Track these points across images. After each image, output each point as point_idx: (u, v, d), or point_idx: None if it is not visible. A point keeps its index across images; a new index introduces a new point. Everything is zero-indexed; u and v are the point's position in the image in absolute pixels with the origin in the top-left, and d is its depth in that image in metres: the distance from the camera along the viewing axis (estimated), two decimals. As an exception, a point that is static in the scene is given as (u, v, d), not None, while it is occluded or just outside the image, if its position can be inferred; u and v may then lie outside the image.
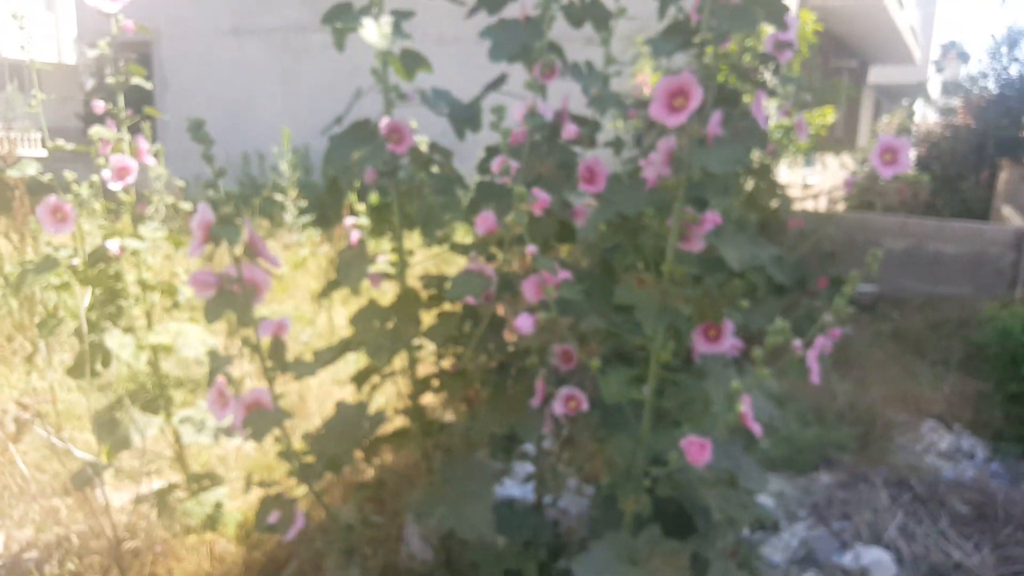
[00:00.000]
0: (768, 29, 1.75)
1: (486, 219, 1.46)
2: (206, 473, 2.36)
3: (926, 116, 18.96)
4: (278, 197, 6.05)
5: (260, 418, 1.39)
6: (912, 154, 15.90)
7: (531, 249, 1.29)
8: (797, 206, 11.39)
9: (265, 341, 1.41)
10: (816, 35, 9.04)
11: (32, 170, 1.89)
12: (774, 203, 2.46)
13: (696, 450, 1.26)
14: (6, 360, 3.56)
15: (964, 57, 16.42)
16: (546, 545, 1.96)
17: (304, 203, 6.18)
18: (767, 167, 1.87)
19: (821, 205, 13.88)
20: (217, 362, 1.39)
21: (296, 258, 5.51)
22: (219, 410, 1.46)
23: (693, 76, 1.29)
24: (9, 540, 2.68)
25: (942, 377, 4.99)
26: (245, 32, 11.64)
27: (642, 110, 1.59)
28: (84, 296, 1.90)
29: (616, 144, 1.82)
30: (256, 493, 2.75)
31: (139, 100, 2.25)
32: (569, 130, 1.55)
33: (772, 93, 1.64)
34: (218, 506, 2.32)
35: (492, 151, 1.65)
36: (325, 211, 7.32)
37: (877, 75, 18.84)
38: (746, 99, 1.70)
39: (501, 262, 1.46)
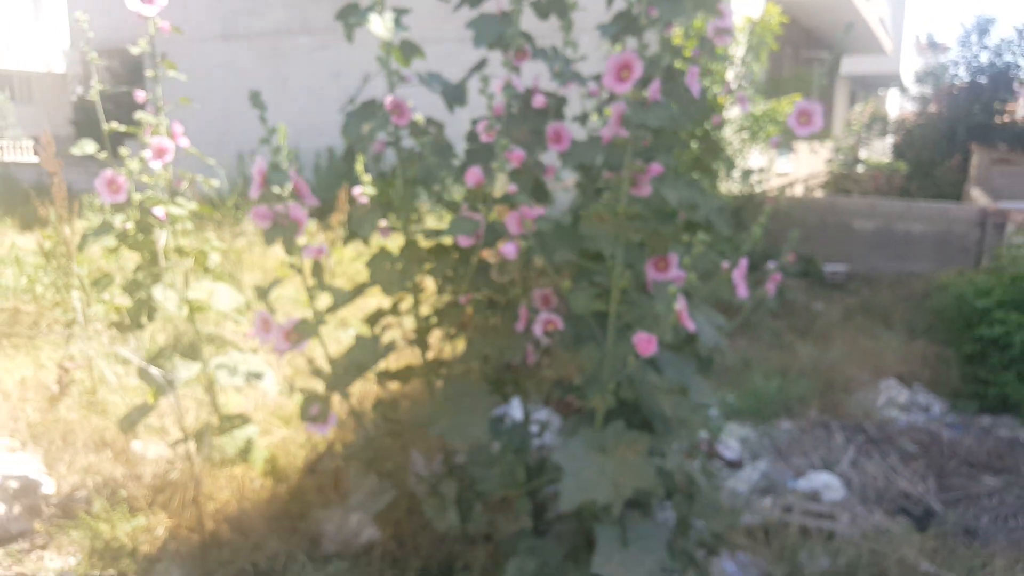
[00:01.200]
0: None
1: (474, 174, 1.82)
2: (237, 414, 2.70)
3: (903, 105, 19.45)
4: (275, 191, 6.38)
5: (304, 327, 1.74)
6: (888, 142, 16.36)
7: (512, 188, 1.66)
8: (771, 191, 11.77)
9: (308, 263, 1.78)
10: (785, 27, 9.42)
11: (91, 149, 2.23)
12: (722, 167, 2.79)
13: (644, 343, 1.63)
14: (49, 328, 3.89)
15: (937, 47, 16.91)
16: (532, 459, 2.32)
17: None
18: (708, 133, 2.23)
19: (797, 191, 14.31)
20: (262, 291, 1.75)
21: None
22: (263, 334, 1.82)
23: (635, 53, 1.65)
24: (60, 483, 3.02)
25: (905, 343, 5.36)
26: (234, 37, 11.98)
27: (601, 85, 1.95)
28: (162, 235, 2.25)
29: (582, 118, 2.18)
30: (281, 434, 3.11)
31: (130, 105, 2.55)
32: (538, 100, 1.91)
33: (707, 72, 1.99)
34: (248, 442, 2.67)
35: (477, 122, 2.01)
36: (320, 203, 7.68)
37: (851, 66, 19.34)
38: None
39: (486, 210, 1.82)
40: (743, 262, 1.79)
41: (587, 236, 1.77)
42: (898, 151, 13.98)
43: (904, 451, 3.45)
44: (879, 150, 18.08)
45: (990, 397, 4.35)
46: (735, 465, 3.39)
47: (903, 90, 15.91)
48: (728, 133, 8.42)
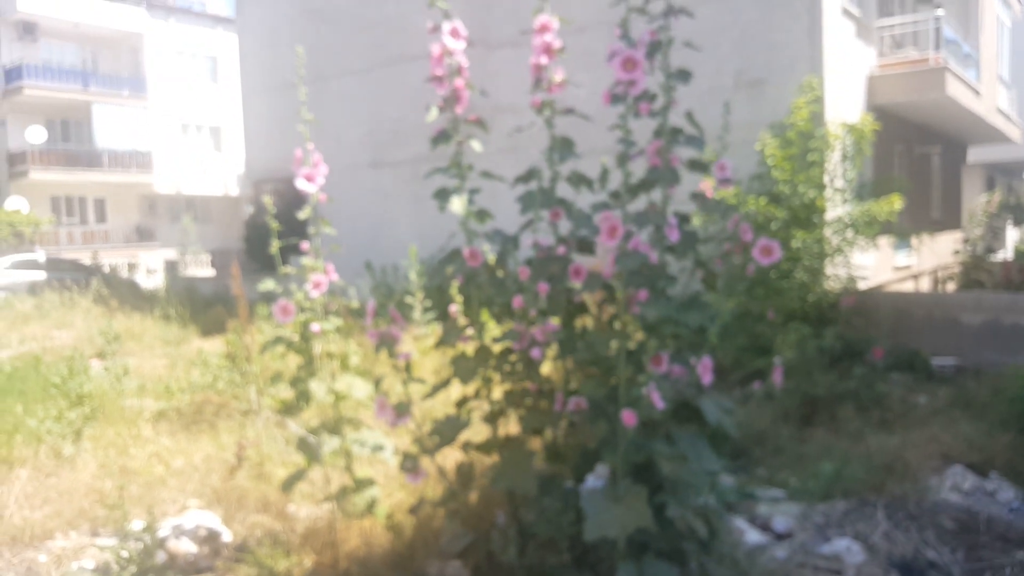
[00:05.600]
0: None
1: (517, 300, 2.65)
2: (366, 478, 3.56)
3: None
4: (408, 300, 7.46)
5: (400, 407, 2.59)
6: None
7: (533, 312, 2.46)
8: (893, 287, 11.79)
9: (402, 363, 2.64)
10: (897, 125, 9.69)
11: (272, 285, 3.26)
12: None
13: (628, 416, 2.35)
14: (228, 415, 4.99)
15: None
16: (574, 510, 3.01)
17: (429, 303, 7.57)
18: (703, 262, 2.93)
19: (923, 285, 14.12)
20: (380, 384, 2.62)
21: (424, 347, 6.85)
22: (381, 412, 2.69)
23: (619, 218, 2.45)
24: (235, 535, 3.97)
25: (989, 432, 5.51)
26: (380, 164, 13.91)
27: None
28: (317, 345, 3.21)
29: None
30: (399, 496, 3.94)
31: (296, 223, 3.57)
32: (561, 249, 2.74)
33: (685, 220, 2.73)
34: (373, 500, 3.51)
35: (527, 262, 2.86)
36: (446, 307, 8.77)
37: (982, 154, 19.01)
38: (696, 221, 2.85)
39: (527, 325, 2.64)
40: (706, 359, 2.48)
41: (595, 342, 2.54)
42: (1037, 239, 13.62)
43: (941, 527, 3.80)
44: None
45: (1064, 485, 4.54)
46: (784, 536, 3.88)
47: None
48: (828, 233, 8.87)
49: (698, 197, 2.94)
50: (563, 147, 2.87)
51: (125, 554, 3.63)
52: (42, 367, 7.41)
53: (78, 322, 11.96)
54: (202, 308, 12.95)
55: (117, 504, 4.04)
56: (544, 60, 2.72)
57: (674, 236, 2.61)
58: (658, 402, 2.37)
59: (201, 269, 25.36)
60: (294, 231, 3.62)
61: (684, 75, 2.75)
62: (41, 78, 28.16)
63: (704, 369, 2.49)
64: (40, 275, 18.28)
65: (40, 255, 20.32)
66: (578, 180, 2.85)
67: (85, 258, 22.79)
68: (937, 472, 4.79)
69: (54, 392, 5.76)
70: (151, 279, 21.55)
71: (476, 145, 2.89)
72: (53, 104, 29.01)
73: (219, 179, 33.79)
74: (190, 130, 33.21)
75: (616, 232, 2.43)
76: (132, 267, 24.65)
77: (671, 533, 2.73)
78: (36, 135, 27.42)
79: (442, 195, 2.83)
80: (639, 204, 2.83)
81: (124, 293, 14.60)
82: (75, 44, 30.68)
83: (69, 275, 18.00)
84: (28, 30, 28.89)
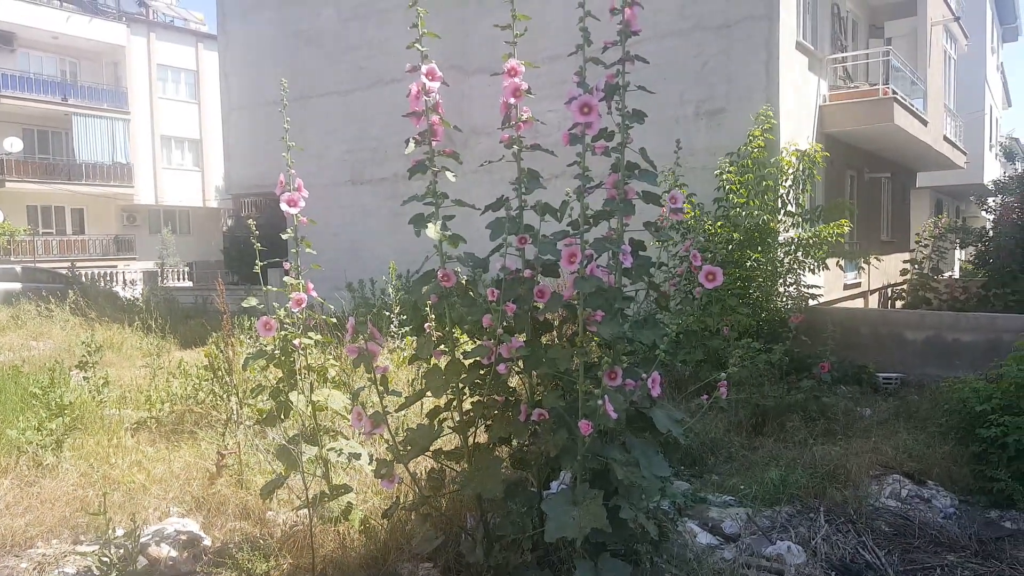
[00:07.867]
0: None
1: (487, 319, 2.90)
2: (341, 484, 3.77)
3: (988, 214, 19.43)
4: (386, 313, 7.68)
5: (376, 417, 2.81)
6: (971, 251, 16.45)
7: (500, 331, 2.71)
8: (843, 304, 12.14)
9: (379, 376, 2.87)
10: (850, 153, 9.87)
11: (255, 302, 3.47)
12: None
13: (584, 426, 2.60)
14: (212, 424, 5.16)
15: (1014, 157, 17.13)
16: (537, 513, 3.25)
17: (404, 317, 7.78)
18: (656, 284, 3.20)
19: (873, 303, 14.60)
20: (357, 396, 2.85)
21: (399, 359, 7.06)
22: (358, 422, 2.91)
23: (577, 246, 2.71)
24: (214, 540, 4.15)
25: (928, 443, 5.81)
26: (360, 182, 14.24)
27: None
28: (297, 359, 3.42)
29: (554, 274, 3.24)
30: (374, 501, 4.15)
31: (276, 237, 3.78)
32: (527, 272, 3.00)
33: (640, 246, 3.00)
34: (349, 505, 3.72)
35: (495, 283, 3.11)
36: (421, 323, 8.99)
37: (931, 178, 19.79)
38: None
39: (495, 342, 2.89)
40: (656, 374, 2.75)
41: (557, 357, 2.79)
42: (981, 259, 14.18)
43: (879, 531, 4.09)
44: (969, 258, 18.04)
45: (995, 493, 4.85)
46: (733, 538, 4.14)
47: (980, 201, 16.16)
48: (780, 254, 9.27)
49: (650, 225, 3.22)
50: (530, 179, 3.13)
51: (106, 560, 3.78)
52: (21, 377, 7.49)
53: (56, 332, 11.99)
54: (181, 319, 13.03)
55: (98, 511, 4.20)
56: (512, 100, 2.99)
57: (628, 261, 2.88)
58: (611, 413, 2.62)
59: (180, 280, 25.31)
60: (273, 245, 3.84)
61: (639, 115, 3.02)
62: (18, 88, 28.04)
63: (654, 383, 2.75)
64: (15, 285, 18.19)
65: (15, 266, 20.20)
66: (543, 210, 3.12)
67: (62, 268, 22.65)
68: (877, 480, 5.09)
69: (34, 402, 5.87)
70: (130, 290, 21.49)
71: (450, 175, 3.14)
72: (30, 114, 28.88)
73: (199, 191, 33.79)
74: (170, 143, 33.19)
75: (575, 258, 2.69)
76: (110, 278, 24.52)
77: (625, 534, 2.97)
78: (12, 145, 27.26)
79: (418, 221, 3.08)
80: (602, 230, 3.12)
81: (102, 304, 14.61)
82: (54, 56, 30.59)
83: (45, 286, 17.93)
84: (5, 40, 28.78)
